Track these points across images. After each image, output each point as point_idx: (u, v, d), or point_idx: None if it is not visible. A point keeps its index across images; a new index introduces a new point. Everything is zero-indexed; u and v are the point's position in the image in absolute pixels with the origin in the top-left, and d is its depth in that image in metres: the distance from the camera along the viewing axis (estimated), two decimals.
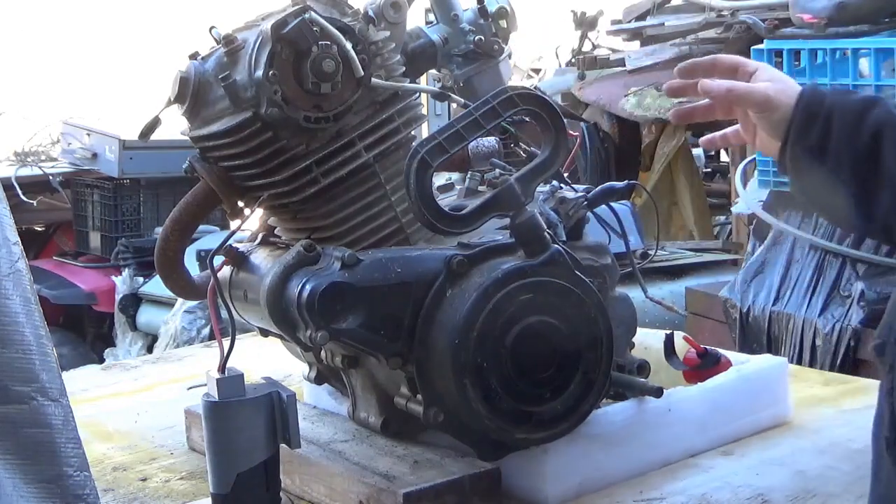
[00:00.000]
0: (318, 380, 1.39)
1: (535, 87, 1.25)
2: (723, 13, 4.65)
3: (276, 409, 1.08)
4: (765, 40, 3.95)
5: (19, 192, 5.50)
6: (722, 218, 5.56)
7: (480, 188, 1.35)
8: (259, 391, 1.09)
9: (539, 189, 1.22)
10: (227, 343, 1.12)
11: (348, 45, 1.18)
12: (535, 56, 7.26)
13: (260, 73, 1.16)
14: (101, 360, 5.12)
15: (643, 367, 1.26)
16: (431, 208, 1.12)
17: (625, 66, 4.99)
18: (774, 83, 1.23)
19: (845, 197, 1.23)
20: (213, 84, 1.21)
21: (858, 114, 1.23)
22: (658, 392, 1.22)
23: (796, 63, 3.77)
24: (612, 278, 1.26)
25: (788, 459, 1.27)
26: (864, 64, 3.58)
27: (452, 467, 1.18)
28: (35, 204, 5.77)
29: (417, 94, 1.29)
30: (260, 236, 1.33)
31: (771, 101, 1.20)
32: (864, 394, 1.52)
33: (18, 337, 0.84)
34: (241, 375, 1.10)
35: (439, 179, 1.44)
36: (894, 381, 0.90)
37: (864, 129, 1.22)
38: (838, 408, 1.46)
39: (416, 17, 1.52)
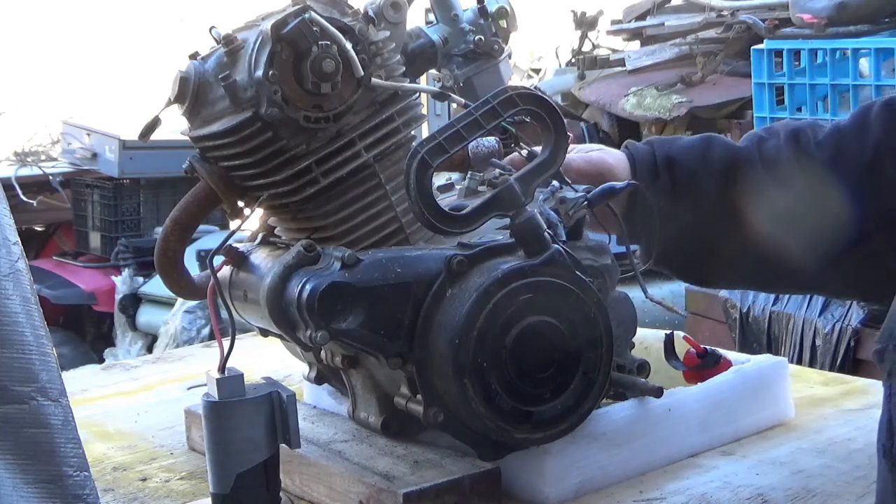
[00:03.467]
0: (318, 380, 1.39)
1: (535, 87, 1.25)
2: (723, 13, 4.66)
3: (276, 409, 1.08)
4: (765, 40, 3.96)
5: (19, 192, 5.52)
6: None
7: (480, 188, 1.35)
8: (259, 391, 1.09)
9: (539, 189, 1.22)
10: (227, 343, 1.12)
11: (348, 45, 1.18)
12: (535, 56, 7.26)
13: (260, 72, 1.16)
14: (101, 360, 5.12)
15: (643, 367, 1.26)
16: (431, 208, 1.12)
17: (625, 66, 5.00)
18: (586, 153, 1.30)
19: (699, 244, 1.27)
20: (213, 84, 1.21)
21: (700, 152, 1.29)
22: (658, 392, 1.22)
23: (796, 63, 3.77)
24: (613, 278, 1.26)
25: (788, 459, 1.27)
26: (864, 64, 3.58)
27: (452, 467, 1.18)
28: (35, 204, 5.78)
29: (417, 94, 1.29)
30: (260, 236, 1.33)
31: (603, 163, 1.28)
32: (864, 394, 1.52)
33: (18, 337, 0.84)
34: (241, 375, 1.10)
35: (439, 179, 1.44)
36: (892, 388, 0.91)
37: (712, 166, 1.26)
38: (838, 408, 1.46)
39: (417, 17, 1.52)
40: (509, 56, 1.50)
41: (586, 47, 5.77)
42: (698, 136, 1.36)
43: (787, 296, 2.85)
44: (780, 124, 1.36)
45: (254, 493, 1.08)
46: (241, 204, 1.28)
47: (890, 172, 1.23)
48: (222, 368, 1.10)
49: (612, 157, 1.33)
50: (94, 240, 5.81)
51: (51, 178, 5.75)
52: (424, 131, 2.28)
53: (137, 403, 1.65)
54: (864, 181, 1.24)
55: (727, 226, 1.30)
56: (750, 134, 1.36)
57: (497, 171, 1.31)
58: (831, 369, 2.55)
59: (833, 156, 1.27)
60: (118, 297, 5.32)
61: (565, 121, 1.19)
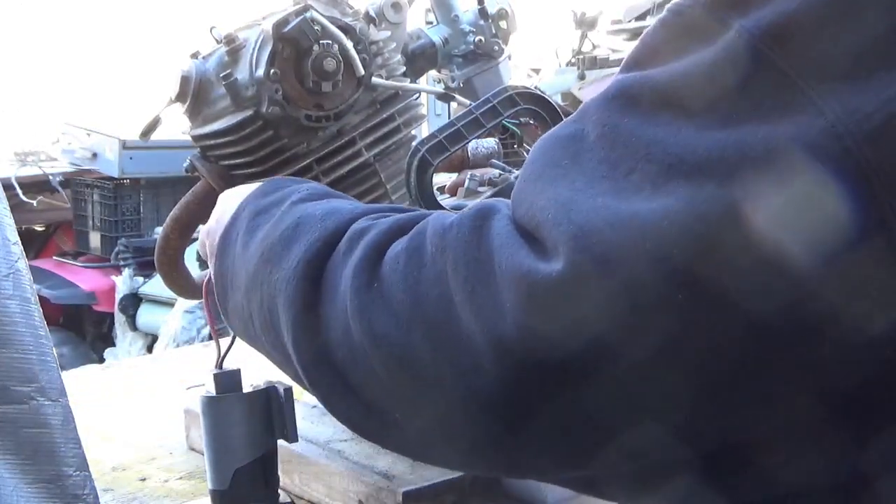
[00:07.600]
0: None
1: (535, 87, 1.25)
2: None
3: (272, 403, 1.08)
4: None
5: (19, 192, 5.51)
6: None
7: (480, 189, 1.35)
8: (256, 386, 1.09)
9: None
10: (226, 342, 1.11)
11: (349, 45, 1.18)
12: (535, 56, 7.27)
13: (261, 71, 1.16)
14: (101, 360, 5.12)
15: None
16: (432, 206, 1.12)
17: None
18: None
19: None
20: (214, 83, 1.21)
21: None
22: None
23: None
24: None
25: None
26: None
27: None
28: (35, 204, 5.78)
29: (418, 94, 1.29)
30: None
31: None
32: None
33: (18, 337, 0.84)
34: (238, 370, 1.10)
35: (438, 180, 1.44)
36: None
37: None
38: None
39: (417, 17, 1.52)
40: (509, 57, 1.50)
41: (586, 47, 5.77)
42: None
43: None
44: None
45: (252, 488, 1.08)
46: None
47: None
48: (220, 365, 1.10)
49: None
50: (94, 240, 5.81)
51: (51, 178, 5.75)
52: (424, 131, 2.28)
53: (137, 403, 1.65)
54: None
55: None
56: None
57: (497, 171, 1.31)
58: None
59: None
60: (118, 297, 5.31)
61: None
